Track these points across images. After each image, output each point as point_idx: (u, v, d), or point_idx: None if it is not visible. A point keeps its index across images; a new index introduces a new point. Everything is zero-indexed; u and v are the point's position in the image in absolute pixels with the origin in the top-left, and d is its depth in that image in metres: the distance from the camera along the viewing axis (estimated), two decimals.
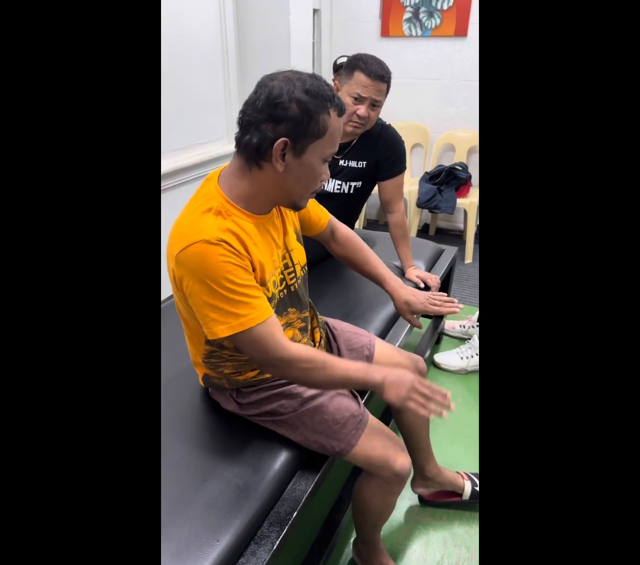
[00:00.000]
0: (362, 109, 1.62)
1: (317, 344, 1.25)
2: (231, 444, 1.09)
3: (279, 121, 0.89)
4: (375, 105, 1.64)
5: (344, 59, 2.84)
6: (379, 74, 1.58)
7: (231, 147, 3.03)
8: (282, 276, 1.09)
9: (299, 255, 1.15)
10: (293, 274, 1.12)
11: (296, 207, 1.03)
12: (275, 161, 0.92)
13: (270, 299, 1.01)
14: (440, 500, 1.58)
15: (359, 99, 1.61)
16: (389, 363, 1.33)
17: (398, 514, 1.57)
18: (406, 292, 1.38)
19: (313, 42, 3.22)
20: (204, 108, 2.49)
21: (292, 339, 1.12)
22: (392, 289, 1.39)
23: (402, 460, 1.11)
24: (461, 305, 1.18)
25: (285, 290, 1.10)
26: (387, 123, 1.82)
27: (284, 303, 1.10)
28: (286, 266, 1.11)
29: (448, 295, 2.32)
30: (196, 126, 2.46)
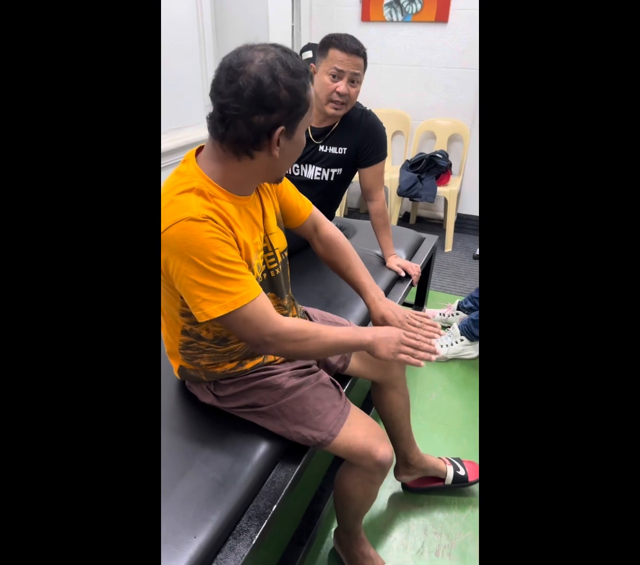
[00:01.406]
0: (341, 86, 1.59)
1: None
2: (209, 437, 1.07)
3: (272, 111, 0.86)
4: (354, 80, 1.61)
5: (308, 53, 2.79)
6: (354, 48, 1.56)
7: (207, 133, 2.94)
8: (263, 260, 1.08)
9: (279, 240, 1.13)
10: (273, 259, 1.11)
11: (278, 180, 1.03)
12: (273, 149, 0.90)
13: None
14: (423, 486, 1.59)
15: (337, 76, 1.58)
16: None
17: (379, 502, 1.58)
18: (385, 306, 1.28)
19: (292, 27, 3.16)
20: (180, 93, 2.43)
21: None
22: (371, 300, 1.31)
23: (383, 450, 1.10)
24: (442, 332, 1.17)
25: (264, 275, 1.08)
26: (368, 109, 1.79)
27: (263, 288, 1.07)
28: (266, 250, 1.08)
29: (428, 284, 2.34)
30: (172, 111, 2.40)
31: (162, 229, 0.87)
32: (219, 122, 0.88)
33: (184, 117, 2.49)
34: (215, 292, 0.89)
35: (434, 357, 1.06)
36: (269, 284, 1.10)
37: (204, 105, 2.63)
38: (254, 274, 1.00)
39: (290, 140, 0.92)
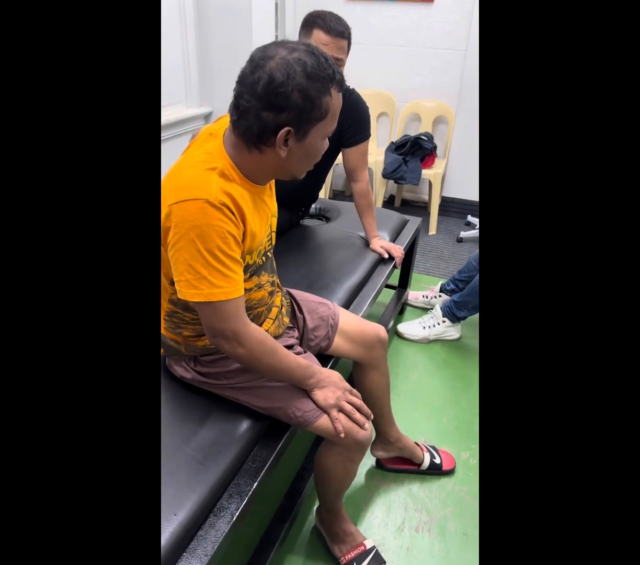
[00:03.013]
0: None
1: (278, 309, 1.22)
2: (189, 416, 1.07)
3: (281, 110, 0.85)
4: (337, 64, 1.58)
5: None
6: (339, 30, 1.52)
7: (190, 111, 2.90)
8: (269, 245, 1.09)
9: (275, 221, 1.14)
10: (270, 240, 1.12)
11: (295, 179, 1.03)
12: (279, 148, 0.90)
13: (250, 266, 1.01)
14: (398, 467, 1.62)
15: None
16: (353, 331, 1.33)
17: (360, 479, 1.60)
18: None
19: (276, 4, 3.09)
20: (161, 71, 2.37)
21: (260, 301, 1.11)
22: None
23: (364, 429, 1.12)
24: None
25: (263, 258, 1.08)
26: (351, 88, 1.77)
27: (261, 268, 1.08)
28: (269, 234, 1.10)
29: (411, 266, 2.35)
30: None
31: (179, 199, 0.87)
32: (234, 108, 0.89)
33: (165, 96, 2.44)
34: (200, 278, 0.89)
35: (367, 425, 1.12)
36: (265, 265, 1.10)
37: (185, 84, 2.58)
38: (252, 259, 1.01)
39: (300, 143, 0.91)
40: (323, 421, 1.08)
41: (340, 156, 1.87)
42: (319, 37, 1.52)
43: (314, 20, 1.53)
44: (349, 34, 1.57)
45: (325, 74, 0.87)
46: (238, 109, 0.88)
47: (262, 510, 1.36)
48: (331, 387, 1.09)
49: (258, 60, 0.85)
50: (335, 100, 0.91)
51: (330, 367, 1.34)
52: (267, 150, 0.91)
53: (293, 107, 0.85)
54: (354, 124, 1.75)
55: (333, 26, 1.51)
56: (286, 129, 0.87)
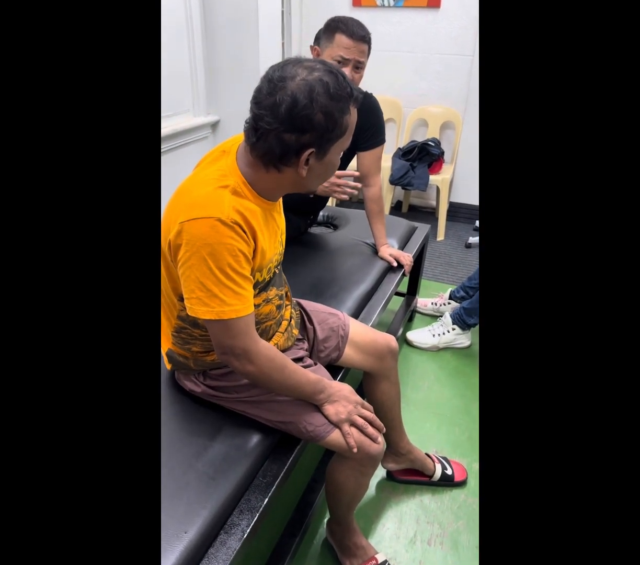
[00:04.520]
0: (346, 71, 1.57)
1: (287, 322, 1.22)
2: (200, 431, 1.06)
3: (304, 132, 0.85)
4: (359, 67, 1.62)
5: None
6: (360, 34, 1.56)
7: (197, 121, 2.90)
8: (277, 262, 1.09)
9: (283, 237, 1.13)
10: (280, 255, 1.12)
11: (309, 192, 1.02)
12: (301, 169, 0.90)
13: (259, 283, 1.01)
14: (409, 478, 1.60)
15: (342, 62, 1.58)
16: (363, 342, 1.32)
17: (371, 490, 1.58)
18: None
19: (282, 12, 3.10)
20: (167, 80, 2.38)
21: (268, 315, 1.10)
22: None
23: (376, 443, 1.10)
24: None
25: (272, 273, 1.08)
26: (368, 92, 1.77)
27: (269, 283, 1.08)
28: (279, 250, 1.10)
29: (420, 273, 2.33)
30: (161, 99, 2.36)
31: (191, 217, 0.87)
32: (253, 130, 0.88)
33: (172, 105, 2.45)
34: (211, 295, 0.89)
35: (380, 439, 1.10)
36: (273, 280, 1.10)
37: (192, 93, 2.58)
38: (262, 276, 1.01)
39: (320, 161, 0.91)
40: (335, 436, 1.07)
41: (353, 161, 1.86)
42: (341, 41, 1.55)
43: (337, 25, 1.56)
44: (370, 38, 1.61)
45: (345, 92, 0.87)
46: (257, 131, 0.87)
47: (272, 523, 1.35)
48: (342, 401, 1.08)
49: (277, 81, 0.84)
50: (353, 117, 0.91)
51: (340, 378, 1.33)
52: (286, 169, 0.91)
53: (316, 128, 0.85)
54: (372, 127, 1.75)
55: (355, 31, 1.55)
56: (310, 150, 0.87)
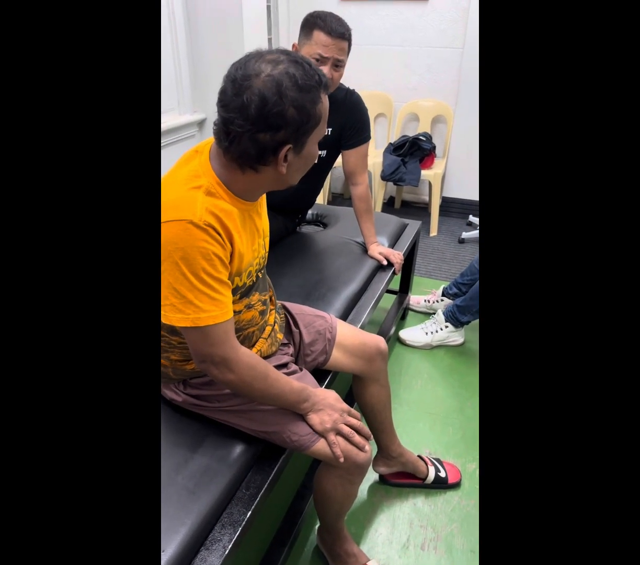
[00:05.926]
0: (324, 70, 1.53)
1: (271, 327, 1.18)
2: (181, 442, 1.02)
3: (278, 129, 0.82)
4: (338, 65, 1.54)
5: None
6: (340, 31, 1.48)
7: (183, 119, 2.86)
8: (258, 265, 1.05)
9: (267, 241, 1.10)
10: (263, 259, 1.08)
11: (290, 187, 0.99)
12: (280, 166, 0.86)
13: (239, 288, 0.97)
14: (402, 481, 1.57)
15: (320, 60, 1.50)
16: (352, 344, 1.29)
17: (362, 494, 1.55)
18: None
19: (268, 6, 3.05)
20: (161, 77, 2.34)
21: (251, 322, 1.07)
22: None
23: (363, 451, 1.07)
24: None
25: (254, 278, 1.04)
26: (352, 88, 1.73)
27: (251, 288, 1.04)
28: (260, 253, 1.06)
29: (412, 271, 2.30)
30: None
31: (163, 219, 0.83)
32: (224, 134, 0.84)
33: None
34: (185, 302, 0.85)
35: (367, 447, 1.07)
36: (256, 285, 1.06)
37: (177, 92, 2.54)
38: (241, 280, 0.97)
39: (299, 155, 0.88)
40: (320, 445, 1.04)
41: (339, 159, 1.83)
42: (319, 39, 1.48)
43: (314, 22, 1.48)
44: (350, 35, 1.53)
45: (314, 81, 0.83)
46: (229, 134, 0.83)
47: (261, 531, 1.32)
48: (327, 409, 1.05)
49: (242, 80, 0.80)
50: (325, 104, 0.87)
51: (328, 382, 1.30)
52: (264, 169, 0.88)
53: (290, 123, 0.82)
54: (356, 124, 1.71)
55: (334, 27, 1.47)
56: (287, 146, 0.84)
